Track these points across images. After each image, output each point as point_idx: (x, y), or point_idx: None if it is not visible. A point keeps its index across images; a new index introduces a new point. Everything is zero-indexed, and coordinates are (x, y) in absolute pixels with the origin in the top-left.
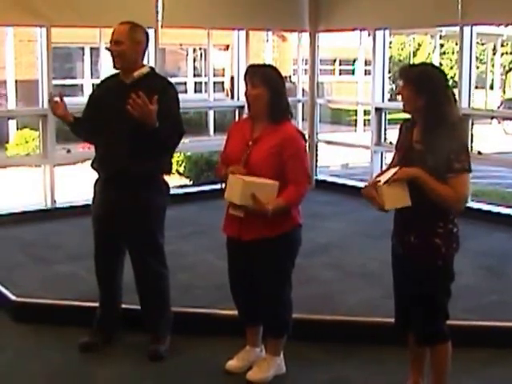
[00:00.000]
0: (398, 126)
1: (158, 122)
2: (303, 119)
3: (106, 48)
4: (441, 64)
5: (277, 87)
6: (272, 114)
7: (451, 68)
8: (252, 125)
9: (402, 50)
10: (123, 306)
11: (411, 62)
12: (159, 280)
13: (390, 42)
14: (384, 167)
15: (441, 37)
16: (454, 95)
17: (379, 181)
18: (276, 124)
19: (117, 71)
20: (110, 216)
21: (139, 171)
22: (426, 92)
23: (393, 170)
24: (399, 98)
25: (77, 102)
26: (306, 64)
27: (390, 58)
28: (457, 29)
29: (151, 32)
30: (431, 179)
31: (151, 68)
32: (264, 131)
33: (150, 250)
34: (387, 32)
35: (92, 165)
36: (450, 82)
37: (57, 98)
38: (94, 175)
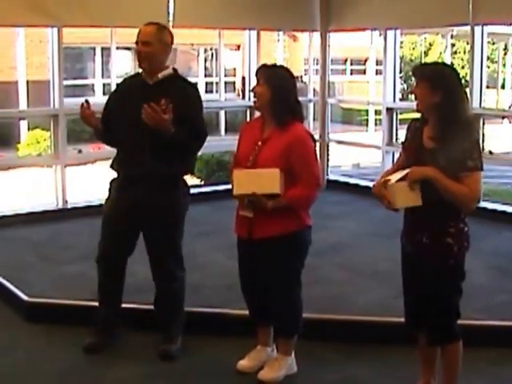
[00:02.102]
0: (407, 125)
1: (175, 127)
2: (314, 119)
3: (134, 49)
4: (452, 63)
5: (280, 87)
6: (274, 113)
7: (462, 67)
8: (262, 125)
9: (414, 49)
10: (134, 305)
11: (423, 61)
12: (175, 281)
13: (402, 42)
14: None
15: (452, 36)
16: (466, 93)
17: (389, 179)
18: (284, 125)
19: (137, 71)
20: (129, 214)
21: (162, 172)
22: (440, 89)
23: (403, 172)
24: (412, 97)
25: None
26: (317, 64)
27: (402, 57)
28: (468, 28)
29: None
30: (445, 178)
31: (174, 69)
32: (273, 132)
33: (169, 250)
34: (398, 32)
35: (112, 166)
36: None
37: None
38: (109, 175)
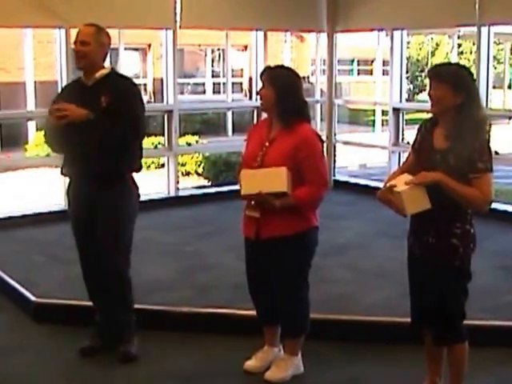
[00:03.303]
0: (417, 126)
1: (94, 115)
2: (321, 120)
3: (73, 49)
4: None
5: (284, 87)
6: (280, 114)
7: (475, 68)
8: (269, 125)
9: (421, 49)
10: (140, 306)
11: (438, 62)
12: (122, 282)
13: (408, 42)
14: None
15: (459, 37)
16: (479, 94)
17: (395, 185)
18: (291, 125)
19: (77, 77)
20: (85, 216)
21: (106, 170)
22: (462, 90)
23: (407, 176)
24: (418, 97)
25: None
26: (324, 64)
27: (408, 57)
28: (474, 29)
29: (169, 33)
30: (454, 182)
31: (112, 68)
32: (280, 132)
33: (116, 250)
34: (405, 32)
35: (62, 170)
36: None
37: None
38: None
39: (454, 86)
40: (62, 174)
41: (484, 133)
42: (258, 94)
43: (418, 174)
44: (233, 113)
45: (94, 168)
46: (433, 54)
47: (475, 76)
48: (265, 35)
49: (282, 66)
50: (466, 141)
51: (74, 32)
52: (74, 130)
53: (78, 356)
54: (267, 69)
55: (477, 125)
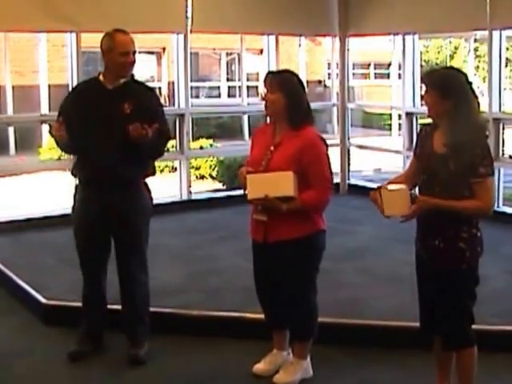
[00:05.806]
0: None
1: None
2: (338, 123)
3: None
4: (477, 67)
5: (294, 92)
6: (291, 119)
7: (487, 71)
8: (274, 130)
9: (439, 53)
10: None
11: (433, 68)
12: (138, 285)
13: (427, 46)
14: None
15: (475, 40)
16: (476, 97)
17: (385, 186)
18: (297, 129)
19: (92, 78)
20: (100, 221)
21: (130, 175)
22: (450, 97)
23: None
24: (423, 102)
25: None
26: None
27: (427, 61)
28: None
29: (181, 37)
30: (450, 202)
31: (132, 74)
32: (285, 136)
33: (134, 254)
34: (416, 36)
35: (74, 172)
36: (484, 85)
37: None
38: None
39: (441, 91)
40: (72, 174)
41: (483, 137)
42: (264, 99)
43: (416, 202)
44: (248, 116)
45: (118, 173)
46: (451, 57)
47: (487, 79)
48: (276, 39)
49: (286, 71)
50: (465, 149)
51: (84, 36)
52: (95, 133)
53: (87, 358)
54: (272, 74)
55: (474, 130)
